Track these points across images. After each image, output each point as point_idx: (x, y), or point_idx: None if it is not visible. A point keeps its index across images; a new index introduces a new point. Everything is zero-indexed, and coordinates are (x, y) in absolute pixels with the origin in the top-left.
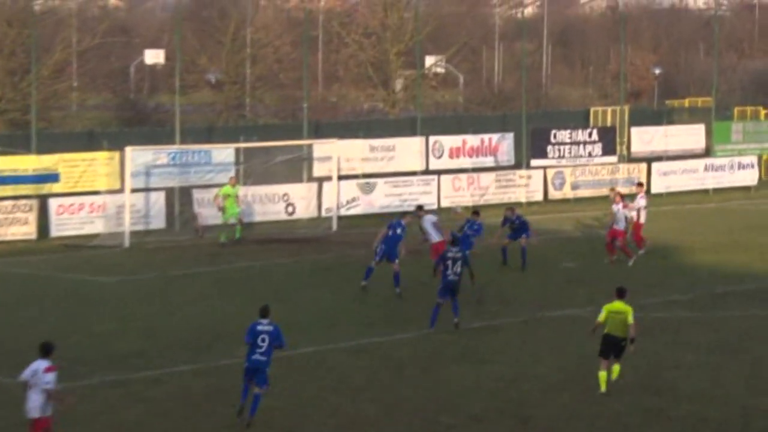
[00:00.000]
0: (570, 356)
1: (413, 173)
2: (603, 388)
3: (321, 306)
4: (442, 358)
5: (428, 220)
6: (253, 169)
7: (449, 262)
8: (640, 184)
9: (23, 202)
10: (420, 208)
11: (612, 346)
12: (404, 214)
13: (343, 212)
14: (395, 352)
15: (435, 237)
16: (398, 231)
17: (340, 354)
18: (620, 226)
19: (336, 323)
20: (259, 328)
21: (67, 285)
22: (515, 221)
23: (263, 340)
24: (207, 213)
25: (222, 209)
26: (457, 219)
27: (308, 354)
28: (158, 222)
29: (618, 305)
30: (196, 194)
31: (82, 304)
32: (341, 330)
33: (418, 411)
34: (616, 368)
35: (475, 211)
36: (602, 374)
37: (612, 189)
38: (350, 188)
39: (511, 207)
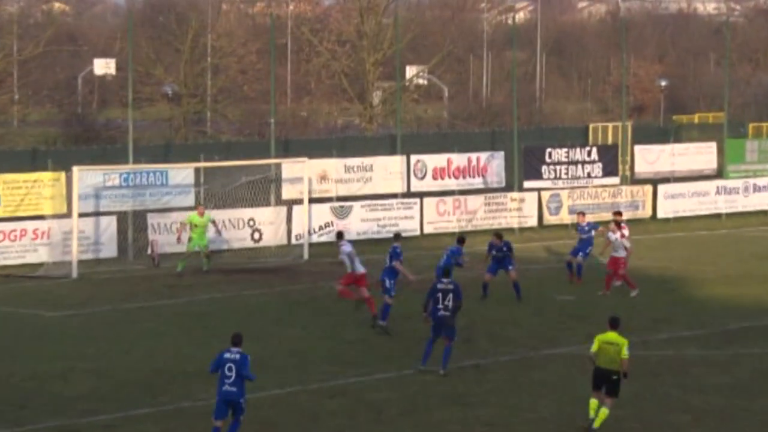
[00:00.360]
0: (567, 399)
1: (393, 195)
2: (591, 414)
3: (291, 343)
4: (426, 400)
5: (344, 251)
6: (215, 192)
7: (439, 296)
8: (618, 213)
9: None
10: (340, 236)
11: (603, 380)
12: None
13: (316, 239)
14: (373, 394)
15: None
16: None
17: (312, 396)
18: (620, 254)
19: (308, 362)
20: (226, 356)
21: (8, 319)
22: (502, 248)
23: (230, 369)
24: (163, 240)
25: (186, 238)
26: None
27: (277, 396)
28: (110, 250)
29: (611, 336)
30: (152, 219)
31: (24, 340)
32: (314, 369)
33: None
34: (603, 412)
35: (460, 238)
36: (593, 402)
37: (617, 213)
38: (323, 212)
39: (498, 233)
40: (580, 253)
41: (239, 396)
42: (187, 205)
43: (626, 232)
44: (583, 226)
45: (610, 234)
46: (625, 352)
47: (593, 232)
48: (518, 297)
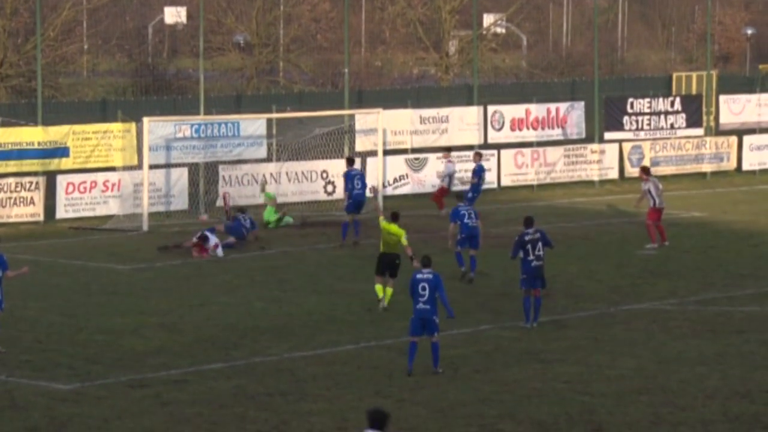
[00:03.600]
0: (647, 356)
1: (470, 147)
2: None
3: (364, 299)
4: (503, 357)
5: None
6: (288, 143)
7: (528, 247)
8: (644, 169)
9: (28, 179)
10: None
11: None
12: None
13: (390, 192)
14: (449, 351)
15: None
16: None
17: (387, 352)
18: (655, 204)
19: (382, 317)
20: (418, 276)
21: (77, 273)
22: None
23: (423, 289)
24: (235, 192)
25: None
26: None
27: (350, 352)
28: (180, 203)
29: (393, 227)
30: (223, 171)
31: (95, 294)
32: (388, 325)
33: (473, 417)
34: (389, 291)
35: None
36: (378, 287)
37: (644, 169)
38: (397, 165)
39: (479, 152)
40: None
41: (432, 313)
42: (260, 156)
43: (650, 185)
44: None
45: (643, 184)
46: (404, 241)
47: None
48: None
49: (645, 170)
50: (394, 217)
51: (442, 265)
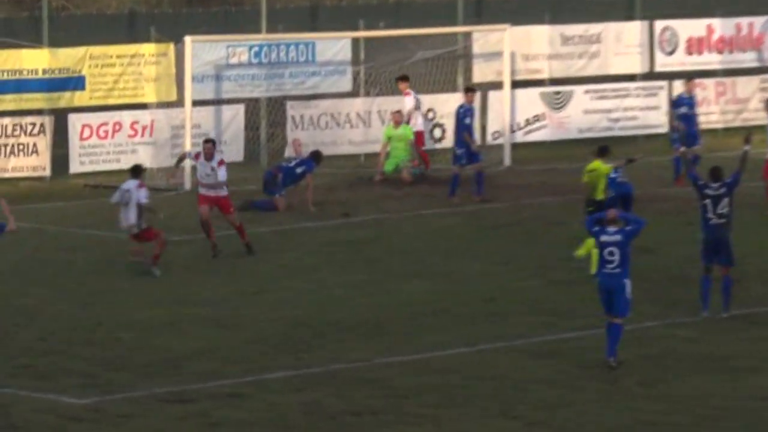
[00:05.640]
0: None
1: (630, 77)
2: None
3: (482, 283)
4: (676, 364)
5: None
6: (380, 72)
7: (708, 202)
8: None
9: (29, 120)
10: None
11: None
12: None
13: (521, 137)
14: (596, 355)
15: None
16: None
17: (513, 355)
18: None
19: (505, 310)
20: (604, 238)
21: (95, 247)
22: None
23: (611, 254)
24: (309, 138)
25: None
26: None
27: (464, 357)
28: (234, 152)
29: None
30: (292, 110)
31: (117, 277)
32: (514, 320)
33: None
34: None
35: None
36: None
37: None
38: (531, 101)
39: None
40: None
41: (622, 276)
42: (343, 90)
43: None
44: None
45: None
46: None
47: None
48: None
49: None
50: (602, 152)
51: None
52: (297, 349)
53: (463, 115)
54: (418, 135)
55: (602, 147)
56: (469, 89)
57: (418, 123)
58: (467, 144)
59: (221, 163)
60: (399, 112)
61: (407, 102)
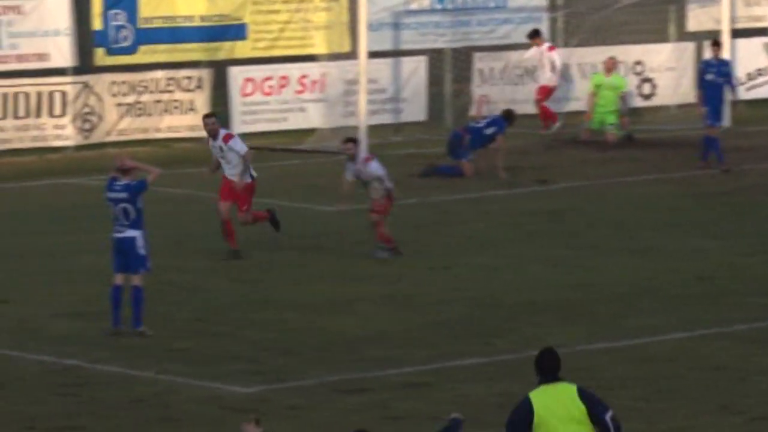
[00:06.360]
0: None
1: None
2: None
3: (699, 262)
4: None
5: None
6: (581, 20)
7: None
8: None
9: (185, 73)
10: None
11: None
12: None
13: (742, 94)
14: None
15: None
16: None
17: (737, 344)
18: None
19: (725, 291)
20: None
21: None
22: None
23: None
24: (498, 94)
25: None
26: None
27: (678, 343)
28: (416, 110)
29: None
30: (480, 62)
31: (282, 251)
32: (735, 303)
33: None
34: None
35: None
36: None
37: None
38: (754, 53)
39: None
40: None
41: None
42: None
43: None
44: None
45: None
46: None
47: None
48: None
49: None
50: None
51: None
52: (487, 333)
53: (703, 71)
54: (547, 89)
55: None
56: (716, 43)
57: (551, 78)
58: (714, 101)
59: (228, 137)
60: (613, 58)
61: (553, 57)
